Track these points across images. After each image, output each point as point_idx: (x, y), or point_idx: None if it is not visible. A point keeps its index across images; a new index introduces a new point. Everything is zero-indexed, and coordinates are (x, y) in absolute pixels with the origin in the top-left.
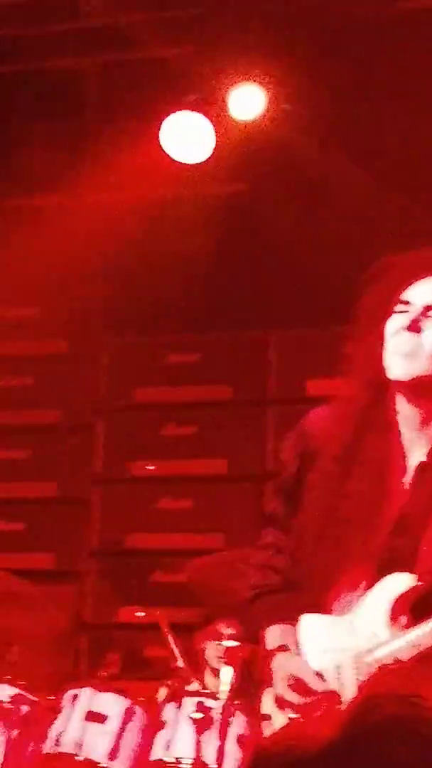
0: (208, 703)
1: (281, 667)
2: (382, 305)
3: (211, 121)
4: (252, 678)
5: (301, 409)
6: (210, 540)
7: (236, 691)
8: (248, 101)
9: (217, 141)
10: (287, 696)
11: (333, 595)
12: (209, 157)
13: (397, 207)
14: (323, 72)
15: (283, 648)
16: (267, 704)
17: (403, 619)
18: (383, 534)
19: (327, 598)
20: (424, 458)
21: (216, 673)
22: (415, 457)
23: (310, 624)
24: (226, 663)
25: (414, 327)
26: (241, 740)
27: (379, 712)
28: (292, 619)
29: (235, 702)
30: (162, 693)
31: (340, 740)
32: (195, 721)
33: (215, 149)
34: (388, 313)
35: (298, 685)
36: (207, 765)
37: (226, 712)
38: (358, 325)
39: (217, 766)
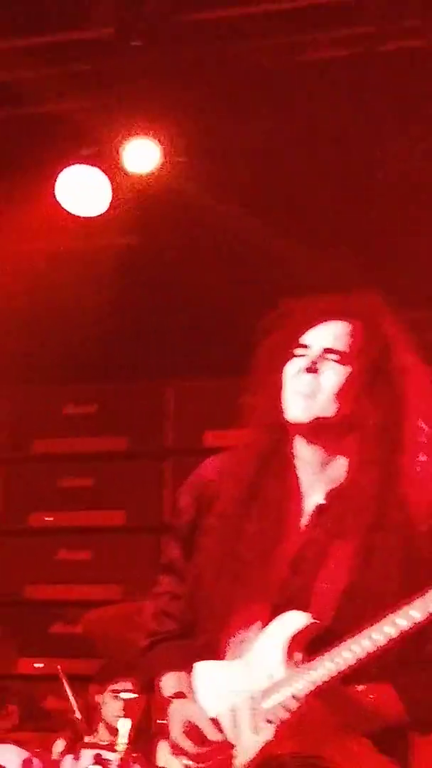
0: (106, 755)
1: (177, 712)
2: (280, 349)
3: (106, 175)
4: (149, 729)
5: (198, 460)
6: (108, 591)
7: (134, 742)
8: (143, 154)
9: (112, 194)
10: (182, 743)
11: (227, 637)
12: (105, 210)
13: (296, 257)
14: (218, 125)
15: (179, 695)
16: (163, 753)
17: (299, 656)
18: (279, 574)
19: (222, 642)
20: (322, 501)
21: (111, 727)
22: (312, 500)
23: (204, 670)
24: (123, 715)
25: (312, 368)
26: None
27: None
28: (187, 666)
29: (133, 754)
30: (60, 745)
31: None
32: None
33: (111, 202)
34: (287, 357)
35: (192, 732)
36: None
37: (124, 764)
38: (257, 371)
39: None
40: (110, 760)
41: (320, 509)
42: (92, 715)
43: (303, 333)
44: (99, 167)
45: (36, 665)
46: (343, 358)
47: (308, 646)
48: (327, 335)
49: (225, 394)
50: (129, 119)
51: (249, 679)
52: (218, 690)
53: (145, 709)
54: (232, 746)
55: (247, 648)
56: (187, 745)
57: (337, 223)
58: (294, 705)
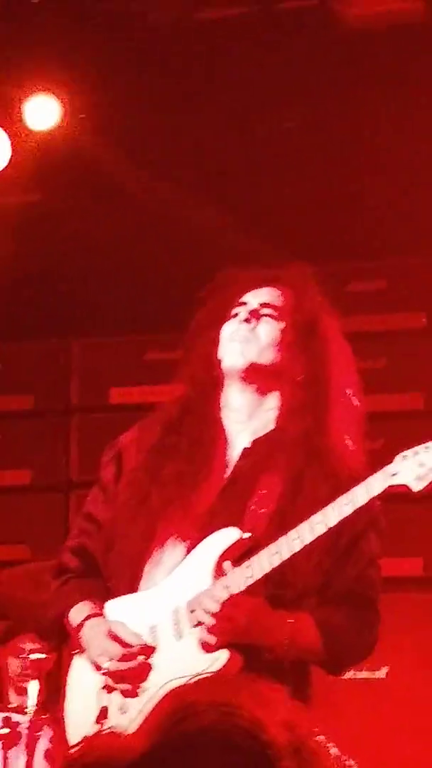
0: (15, 717)
1: (94, 628)
2: (219, 311)
3: (7, 131)
4: (58, 690)
5: (104, 417)
6: (15, 551)
7: (43, 704)
8: (43, 111)
9: (13, 151)
10: (107, 647)
11: (140, 574)
12: (6, 167)
13: (198, 216)
14: (120, 81)
15: (93, 615)
16: (76, 673)
17: (228, 565)
18: (205, 506)
19: (136, 581)
20: (248, 446)
21: (19, 689)
22: (238, 447)
23: (117, 604)
24: (32, 676)
25: (249, 319)
26: (48, 755)
27: (192, 721)
28: (99, 601)
29: (42, 716)
30: None
31: (152, 750)
32: (1, 736)
33: (12, 159)
34: (225, 318)
35: (114, 637)
36: None
37: (34, 727)
38: (193, 332)
39: None
40: (19, 723)
41: (246, 452)
42: None
43: (240, 297)
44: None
45: None
46: (277, 314)
47: (239, 560)
48: (263, 294)
49: (130, 351)
50: (28, 75)
51: (171, 598)
52: (136, 613)
53: (53, 669)
54: (152, 649)
55: (169, 572)
56: (112, 647)
57: (241, 179)
58: (212, 607)
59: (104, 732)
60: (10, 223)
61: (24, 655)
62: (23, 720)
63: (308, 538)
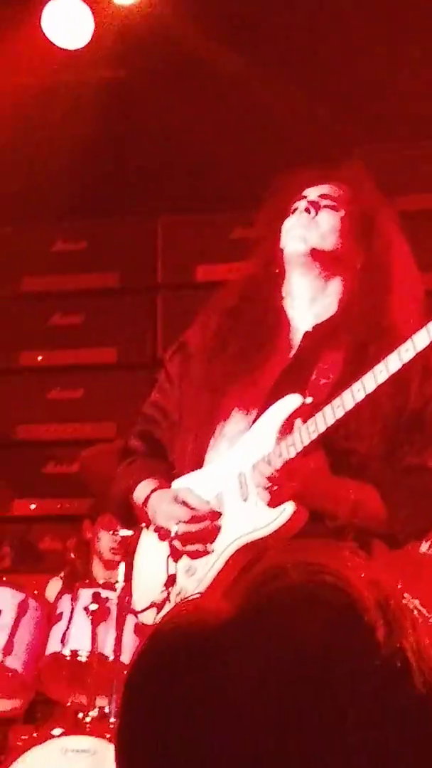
0: (105, 593)
1: (158, 498)
2: (280, 209)
3: (91, 7)
4: None
5: (190, 294)
6: (101, 429)
7: (131, 580)
8: None
9: (98, 27)
10: (174, 511)
11: (204, 452)
12: (91, 42)
13: (282, 95)
14: None
15: (158, 488)
16: (144, 543)
17: (299, 423)
18: (269, 381)
19: (201, 460)
20: (310, 329)
21: (108, 563)
22: (301, 331)
23: (183, 482)
24: (120, 553)
25: (308, 209)
26: (138, 630)
27: (279, 581)
28: (164, 481)
29: (131, 592)
30: (56, 585)
31: (240, 612)
32: (91, 612)
33: (97, 35)
34: (286, 214)
35: (182, 501)
36: (104, 656)
37: (123, 603)
38: (257, 227)
39: (114, 657)
40: (108, 598)
41: (309, 335)
42: (87, 553)
43: (300, 193)
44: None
45: (31, 506)
46: (337, 204)
47: (305, 420)
48: (322, 188)
49: (215, 228)
50: None
51: (237, 465)
52: (203, 484)
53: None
54: (219, 514)
55: (234, 443)
56: (179, 510)
57: (326, 59)
58: (266, 470)
59: (186, 599)
60: (97, 100)
61: (114, 531)
62: (112, 596)
63: (371, 386)
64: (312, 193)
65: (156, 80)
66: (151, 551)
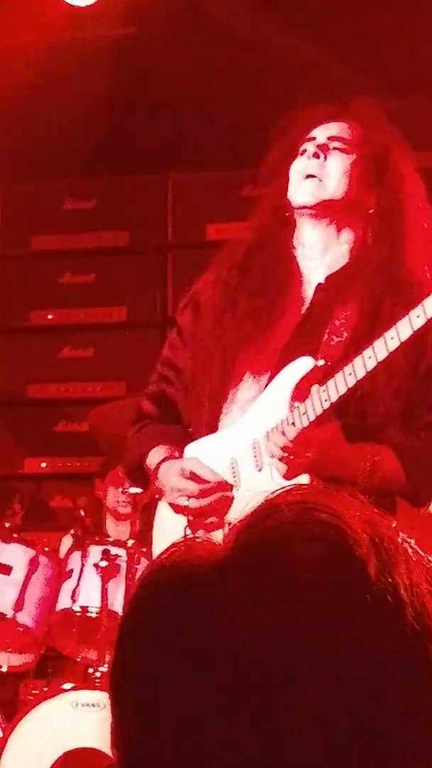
0: (114, 550)
1: (169, 469)
2: (288, 148)
3: None
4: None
5: (201, 253)
6: (112, 388)
7: (140, 537)
8: None
9: None
10: (182, 486)
11: (220, 413)
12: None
13: (295, 54)
14: None
15: (168, 458)
16: (160, 513)
17: (315, 388)
18: (281, 340)
19: (215, 420)
20: (322, 281)
21: (119, 518)
22: (313, 283)
23: (196, 445)
24: (130, 510)
25: (318, 154)
26: None
27: (274, 518)
28: (177, 445)
29: (141, 549)
30: (67, 542)
31: (233, 549)
32: (101, 569)
33: None
34: (294, 155)
35: (192, 477)
36: (114, 613)
37: (132, 559)
38: (265, 169)
39: (124, 613)
40: (119, 556)
41: (321, 287)
42: (98, 511)
43: (308, 133)
44: None
45: (41, 465)
46: (347, 147)
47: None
48: (331, 129)
49: (226, 186)
50: None
51: (250, 431)
52: (215, 451)
53: (151, 502)
54: (229, 485)
55: (246, 408)
56: (187, 485)
57: (342, 13)
58: (280, 441)
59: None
60: (107, 57)
61: (123, 487)
62: (122, 553)
63: (382, 354)
64: (321, 134)
65: (166, 37)
66: (168, 522)
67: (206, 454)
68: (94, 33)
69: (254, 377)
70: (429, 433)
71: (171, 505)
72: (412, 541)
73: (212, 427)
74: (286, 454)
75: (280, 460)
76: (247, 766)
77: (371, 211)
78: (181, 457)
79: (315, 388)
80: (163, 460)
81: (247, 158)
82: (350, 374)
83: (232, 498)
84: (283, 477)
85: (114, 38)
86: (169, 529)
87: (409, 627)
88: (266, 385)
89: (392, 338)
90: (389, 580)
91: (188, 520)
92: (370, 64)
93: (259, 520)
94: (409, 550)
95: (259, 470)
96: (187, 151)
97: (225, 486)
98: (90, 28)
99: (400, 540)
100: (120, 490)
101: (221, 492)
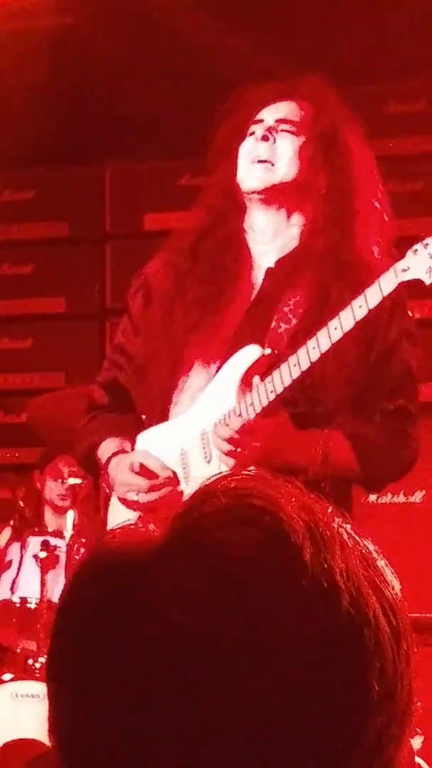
0: (54, 541)
1: (120, 463)
2: (235, 131)
3: None
4: (95, 514)
5: (139, 243)
6: (50, 379)
7: (81, 527)
8: None
9: None
10: (132, 481)
11: (169, 402)
12: None
13: (233, 45)
14: None
15: (119, 452)
16: (113, 507)
17: (257, 380)
18: (231, 327)
19: (165, 409)
20: (272, 265)
21: (57, 510)
22: (263, 267)
23: (147, 435)
24: (70, 501)
25: (267, 137)
26: None
27: (209, 504)
28: (129, 436)
29: (81, 539)
30: (5, 534)
31: (169, 535)
32: (40, 560)
33: None
34: (241, 137)
35: (142, 472)
36: (54, 604)
37: (72, 550)
38: (212, 154)
39: (60, 601)
40: (58, 546)
41: (270, 272)
42: (37, 502)
43: (256, 114)
44: None
45: None
46: (296, 129)
47: (262, 377)
48: (279, 110)
49: (164, 176)
50: None
51: (199, 422)
52: (165, 442)
53: (90, 494)
54: (178, 479)
55: (196, 398)
56: (136, 481)
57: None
58: (225, 433)
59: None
60: (41, 48)
61: (62, 479)
62: (61, 544)
63: (325, 345)
64: (269, 116)
65: (103, 27)
66: (120, 517)
67: (156, 445)
68: (30, 24)
69: (204, 365)
70: (381, 419)
71: (120, 499)
72: (348, 527)
73: (164, 417)
74: (232, 448)
75: (227, 454)
76: (190, 749)
77: (323, 192)
78: (132, 448)
79: (257, 379)
80: (113, 455)
81: (184, 148)
82: (295, 365)
83: (182, 492)
84: (231, 470)
85: (50, 29)
86: (121, 519)
87: (344, 612)
88: (215, 374)
89: (335, 329)
90: (325, 565)
91: (139, 516)
92: (314, 53)
93: (195, 506)
94: (345, 536)
95: (208, 462)
96: (125, 141)
97: (175, 480)
98: (26, 18)
99: (335, 526)
100: (59, 481)
101: (170, 486)
